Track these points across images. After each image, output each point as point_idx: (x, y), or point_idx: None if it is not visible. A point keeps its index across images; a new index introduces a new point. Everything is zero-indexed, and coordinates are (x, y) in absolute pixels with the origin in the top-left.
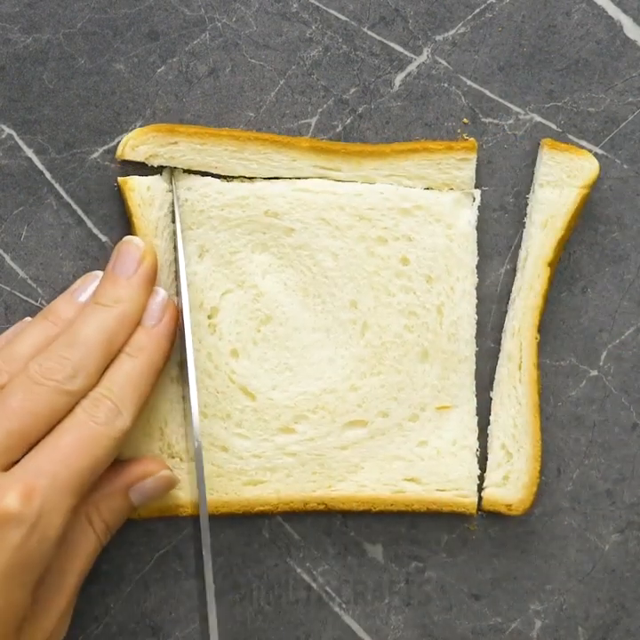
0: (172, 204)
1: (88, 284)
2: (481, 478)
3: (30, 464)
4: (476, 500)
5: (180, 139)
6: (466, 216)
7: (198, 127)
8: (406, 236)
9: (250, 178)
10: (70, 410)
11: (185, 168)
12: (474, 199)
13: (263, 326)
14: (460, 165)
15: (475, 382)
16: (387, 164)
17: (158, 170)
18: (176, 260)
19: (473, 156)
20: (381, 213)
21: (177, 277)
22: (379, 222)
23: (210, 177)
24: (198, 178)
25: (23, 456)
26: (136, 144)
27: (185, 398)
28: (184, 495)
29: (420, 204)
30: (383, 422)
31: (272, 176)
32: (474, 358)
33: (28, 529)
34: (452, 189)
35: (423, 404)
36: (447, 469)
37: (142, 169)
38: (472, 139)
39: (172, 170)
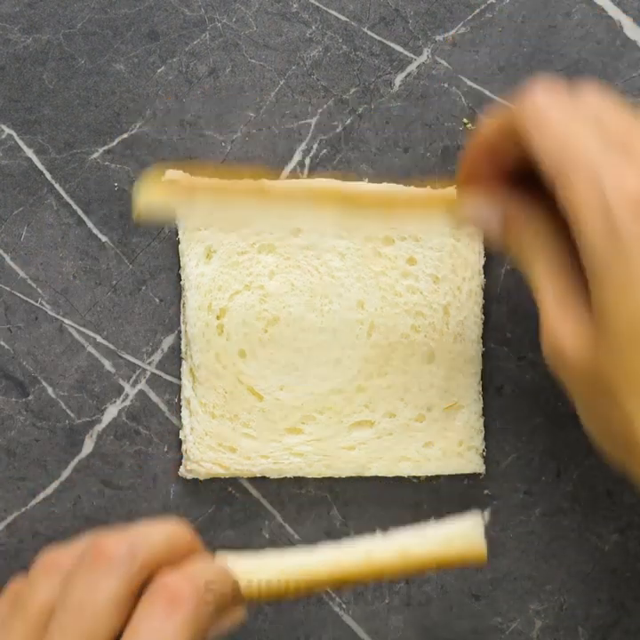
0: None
1: None
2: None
3: None
4: (485, 547)
5: (198, 195)
6: None
7: (218, 181)
8: (413, 236)
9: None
10: None
11: (204, 226)
12: None
13: (270, 327)
14: None
15: (481, 382)
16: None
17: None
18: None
19: None
20: None
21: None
22: None
23: (217, 179)
24: (205, 180)
25: None
26: (151, 202)
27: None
28: None
29: None
30: (390, 423)
31: (295, 227)
32: (480, 358)
33: None
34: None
35: (429, 404)
36: (454, 470)
37: (143, 169)
38: None
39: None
